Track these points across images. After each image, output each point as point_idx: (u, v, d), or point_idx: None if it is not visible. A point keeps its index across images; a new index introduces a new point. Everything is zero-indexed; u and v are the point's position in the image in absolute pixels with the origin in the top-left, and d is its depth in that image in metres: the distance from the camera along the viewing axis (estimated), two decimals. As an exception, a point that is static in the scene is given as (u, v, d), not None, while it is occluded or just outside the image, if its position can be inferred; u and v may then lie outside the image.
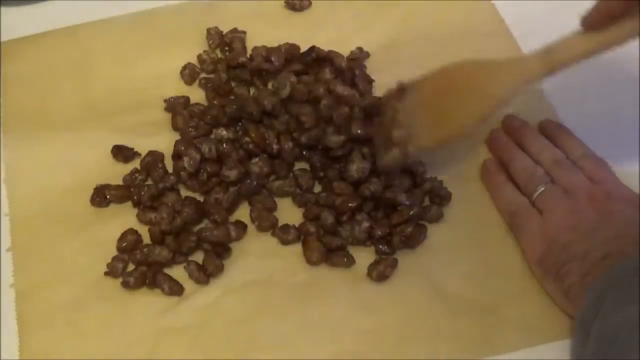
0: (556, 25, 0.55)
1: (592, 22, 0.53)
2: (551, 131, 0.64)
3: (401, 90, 0.61)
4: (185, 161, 0.62)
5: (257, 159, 0.63)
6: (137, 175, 0.64)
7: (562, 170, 0.59)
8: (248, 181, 0.62)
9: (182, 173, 0.63)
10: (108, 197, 0.63)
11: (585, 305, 0.50)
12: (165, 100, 0.69)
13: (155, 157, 0.65)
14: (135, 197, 0.62)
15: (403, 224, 0.59)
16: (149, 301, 0.58)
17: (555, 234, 0.55)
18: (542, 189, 0.59)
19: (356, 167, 0.61)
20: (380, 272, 0.57)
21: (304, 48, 0.71)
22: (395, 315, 0.56)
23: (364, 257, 0.59)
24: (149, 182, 0.64)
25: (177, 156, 0.64)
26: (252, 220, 0.61)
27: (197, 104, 0.69)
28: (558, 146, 0.62)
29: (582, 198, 0.57)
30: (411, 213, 0.59)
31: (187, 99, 0.69)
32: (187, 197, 0.62)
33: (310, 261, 0.59)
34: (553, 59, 0.55)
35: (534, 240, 0.57)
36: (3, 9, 0.77)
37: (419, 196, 0.61)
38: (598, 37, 0.53)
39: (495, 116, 0.64)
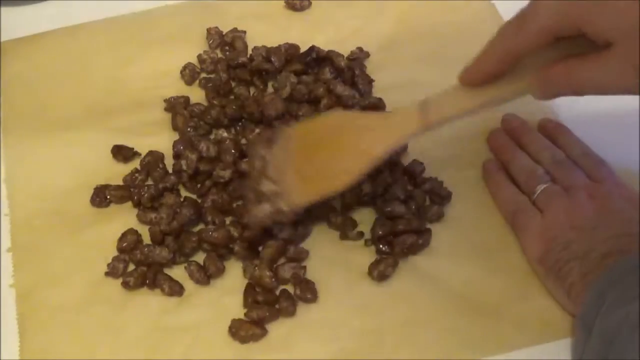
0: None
1: (472, 80, 0.52)
2: (550, 130, 0.64)
3: (270, 139, 0.60)
4: (183, 163, 0.62)
5: (247, 158, 0.63)
6: (137, 175, 0.64)
7: (562, 170, 0.60)
8: (231, 189, 0.62)
9: (182, 173, 0.63)
10: (108, 197, 0.63)
11: (586, 304, 0.50)
12: (165, 100, 0.69)
13: (155, 157, 0.65)
14: (135, 198, 0.62)
15: (403, 235, 0.59)
16: (150, 301, 0.58)
17: (556, 232, 0.55)
18: (542, 188, 0.59)
19: None
20: (381, 272, 0.57)
21: (304, 48, 0.71)
22: (396, 315, 0.56)
23: (364, 256, 0.59)
24: (149, 182, 0.64)
25: (177, 156, 0.64)
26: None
27: (197, 104, 0.69)
28: (558, 145, 0.62)
29: (582, 197, 0.57)
30: (411, 225, 0.59)
31: (187, 98, 0.69)
32: (185, 198, 0.62)
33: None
34: (430, 116, 0.54)
35: (534, 239, 0.57)
36: (3, 9, 0.77)
37: (419, 197, 0.61)
38: (476, 95, 0.52)
39: (484, 120, 0.64)
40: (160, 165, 0.64)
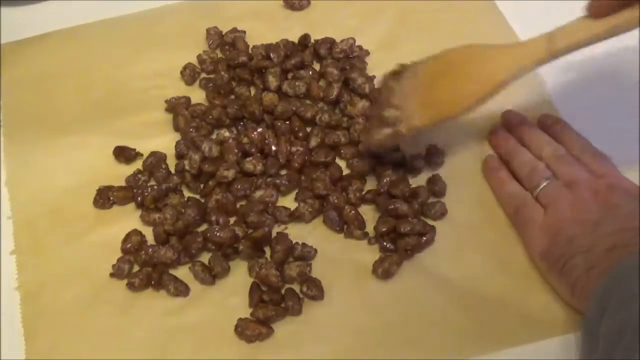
0: (557, 22, 0.56)
1: (596, 10, 0.53)
2: (550, 126, 0.64)
3: (399, 71, 0.62)
4: (186, 163, 0.62)
5: (250, 158, 0.63)
6: (140, 176, 0.64)
7: (563, 165, 0.60)
8: (238, 186, 0.62)
9: (185, 173, 0.63)
10: (111, 198, 0.63)
11: (591, 308, 0.51)
12: (166, 101, 0.69)
13: (158, 158, 0.65)
14: (138, 199, 0.62)
15: (407, 236, 0.59)
16: (155, 302, 0.58)
17: (560, 228, 0.56)
18: (545, 183, 0.59)
19: None
20: (385, 270, 0.57)
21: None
22: (401, 313, 0.56)
23: (368, 254, 0.59)
24: (152, 182, 0.64)
25: (180, 156, 0.64)
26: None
27: (199, 104, 0.69)
28: (558, 141, 0.62)
29: (584, 192, 0.57)
30: (416, 227, 0.59)
31: (188, 99, 0.69)
32: (189, 199, 0.62)
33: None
34: (555, 44, 0.55)
35: (538, 235, 0.57)
36: (3, 9, 0.77)
37: (423, 194, 0.61)
38: (599, 24, 0.53)
39: (484, 117, 0.65)
40: (163, 166, 0.64)
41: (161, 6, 0.77)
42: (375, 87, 0.67)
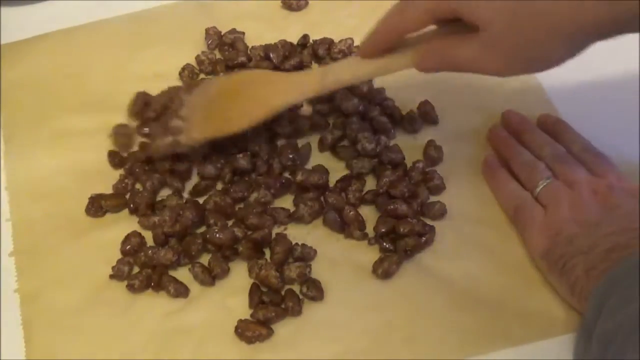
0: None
1: (366, 53, 0.58)
2: (550, 126, 0.64)
3: (192, 85, 0.66)
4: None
5: (241, 155, 0.63)
6: (126, 181, 0.64)
7: (563, 165, 0.60)
8: (232, 190, 0.62)
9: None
10: (103, 207, 0.63)
11: (588, 310, 0.51)
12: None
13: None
14: (131, 206, 0.62)
15: (406, 237, 0.59)
16: (155, 303, 0.58)
17: (560, 228, 0.56)
18: (544, 183, 0.59)
19: None
20: (385, 270, 0.57)
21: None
22: (401, 313, 0.56)
23: (368, 255, 0.59)
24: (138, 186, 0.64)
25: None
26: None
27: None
28: (558, 141, 0.62)
29: (584, 192, 0.57)
30: (415, 228, 0.59)
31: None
32: (187, 200, 0.62)
33: None
34: (327, 79, 0.60)
35: (538, 235, 0.57)
36: (3, 9, 0.76)
37: (422, 194, 0.61)
38: (366, 65, 0.58)
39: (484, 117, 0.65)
40: (146, 168, 0.64)
41: (160, 6, 0.76)
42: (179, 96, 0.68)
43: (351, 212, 0.60)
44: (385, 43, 0.56)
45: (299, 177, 0.62)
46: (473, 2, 0.50)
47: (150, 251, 0.59)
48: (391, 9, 0.55)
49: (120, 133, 0.67)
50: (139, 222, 0.62)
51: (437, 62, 0.55)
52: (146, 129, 0.66)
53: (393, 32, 0.56)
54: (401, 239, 0.59)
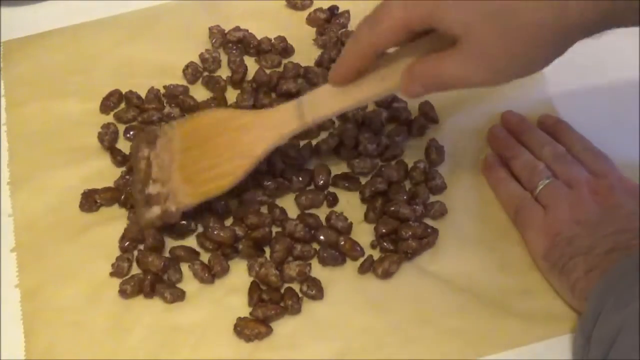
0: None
1: (339, 79, 0.54)
2: (551, 126, 0.64)
3: (151, 139, 0.61)
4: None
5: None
6: (127, 177, 0.63)
7: (563, 165, 0.60)
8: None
9: None
10: (98, 201, 0.62)
11: (588, 311, 0.51)
12: (164, 87, 0.69)
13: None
14: (122, 198, 0.62)
15: (408, 240, 0.59)
16: (154, 301, 0.58)
17: (560, 228, 0.55)
18: (544, 183, 0.59)
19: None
20: (385, 269, 0.57)
21: (302, 47, 0.72)
22: (401, 313, 0.56)
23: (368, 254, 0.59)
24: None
25: None
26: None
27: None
28: (558, 141, 0.62)
29: (584, 192, 0.57)
30: (417, 231, 0.59)
31: (186, 88, 0.70)
32: None
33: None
34: (306, 117, 0.56)
35: (538, 235, 0.57)
36: (3, 9, 0.77)
37: (422, 194, 0.61)
38: (348, 93, 0.54)
39: (484, 116, 0.65)
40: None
41: (163, 4, 0.77)
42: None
43: (346, 243, 0.59)
44: (359, 64, 0.52)
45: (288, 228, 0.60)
46: (446, 12, 0.47)
47: (139, 254, 0.59)
48: (359, 24, 0.51)
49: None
50: (128, 218, 0.62)
51: (422, 86, 0.51)
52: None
53: (364, 50, 0.51)
54: (403, 241, 0.59)
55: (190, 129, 0.61)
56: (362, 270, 0.58)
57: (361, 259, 0.59)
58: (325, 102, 0.56)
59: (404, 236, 0.58)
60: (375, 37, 0.50)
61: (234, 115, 0.61)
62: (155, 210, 0.59)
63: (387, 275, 0.58)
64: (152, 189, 0.59)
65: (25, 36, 0.75)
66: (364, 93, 0.54)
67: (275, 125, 0.58)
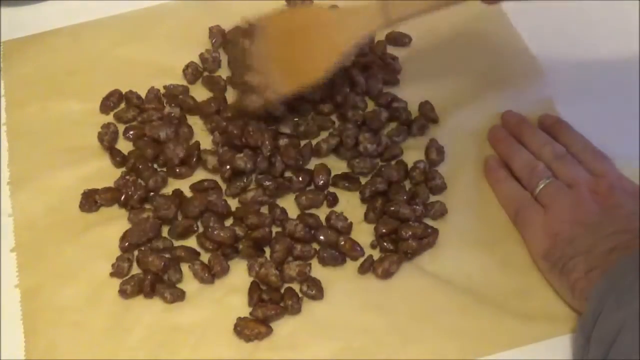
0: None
1: None
2: (550, 126, 0.64)
3: (248, 31, 0.64)
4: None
5: (241, 154, 0.63)
6: (127, 177, 0.63)
7: (563, 165, 0.60)
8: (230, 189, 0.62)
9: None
10: (98, 201, 0.62)
11: (588, 311, 0.51)
12: (164, 87, 0.69)
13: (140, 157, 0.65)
14: (123, 198, 0.62)
15: (408, 240, 0.59)
16: (155, 301, 0.58)
17: (560, 228, 0.55)
18: (544, 183, 0.59)
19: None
20: (385, 269, 0.57)
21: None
22: (401, 312, 0.56)
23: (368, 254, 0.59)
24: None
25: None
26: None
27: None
28: (558, 141, 0.62)
29: (584, 192, 0.57)
30: (417, 231, 0.59)
31: (186, 88, 0.70)
32: (175, 191, 0.63)
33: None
34: (391, 15, 0.58)
35: (538, 235, 0.57)
36: (3, 9, 0.77)
37: (422, 193, 0.61)
38: None
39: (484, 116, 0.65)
40: (148, 164, 0.64)
41: (163, 4, 0.77)
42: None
43: (346, 243, 0.59)
44: None
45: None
46: None
47: (140, 254, 0.59)
48: None
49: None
50: (128, 219, 0.61)
51: None
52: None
53: None
54: (403, 241, 0.59)
55: (282, 23, 0.64)
56: (362, 270, 0.58)
57: (361, 259, 0.59)
58: (410, 3, 0.58)
59: (404, 236, 0.58)
60: None
61: (323, 12, 0.64)
62: (255, 99, 0.62)
63: (387, 275, 0.58)
64: (252, 78, 0.62)
65: (26, 36, 0.75)
66: None
67: (360, 23, 0.60)
